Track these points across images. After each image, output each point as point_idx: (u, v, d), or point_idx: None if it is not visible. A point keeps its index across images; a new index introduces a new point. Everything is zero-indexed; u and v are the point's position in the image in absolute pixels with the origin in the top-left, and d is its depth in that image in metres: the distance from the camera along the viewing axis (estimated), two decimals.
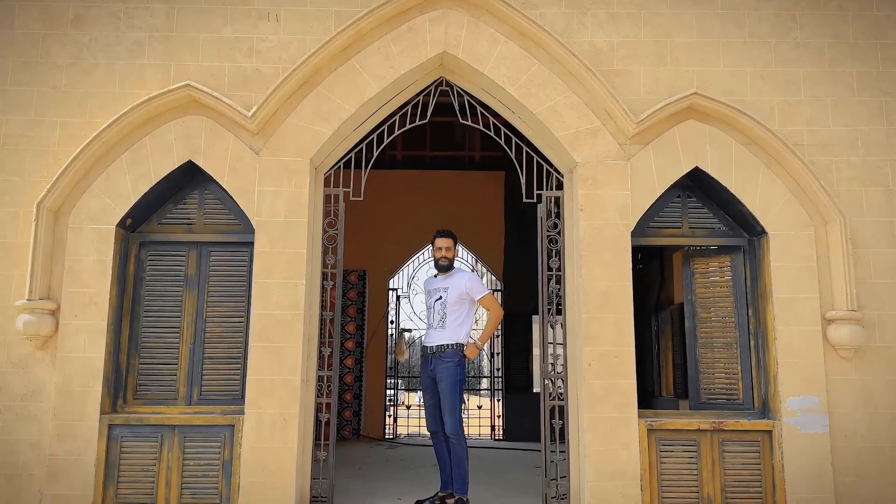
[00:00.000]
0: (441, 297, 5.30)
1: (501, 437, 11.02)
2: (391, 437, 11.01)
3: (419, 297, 5.74)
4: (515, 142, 5.68)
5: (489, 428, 11.36)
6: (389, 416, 11.23)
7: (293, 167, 5.34)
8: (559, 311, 5.53)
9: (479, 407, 11.49)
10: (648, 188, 5.36)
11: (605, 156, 5.37)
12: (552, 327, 5.48)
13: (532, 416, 11.36)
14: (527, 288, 11.25)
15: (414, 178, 11.52)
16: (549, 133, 5.45)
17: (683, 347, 8.69)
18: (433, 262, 5.45)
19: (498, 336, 11.57)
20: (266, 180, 5.32)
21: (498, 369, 11.57)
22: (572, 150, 5.38)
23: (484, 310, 5.68)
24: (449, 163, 11.89)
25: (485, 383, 12.00)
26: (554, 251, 5.56)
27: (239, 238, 5.47)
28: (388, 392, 11.46)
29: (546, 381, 5.42)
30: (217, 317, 5.43)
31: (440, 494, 5.29)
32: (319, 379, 5.46)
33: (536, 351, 12.28)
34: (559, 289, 5.51)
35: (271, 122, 5.41)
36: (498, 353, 11.52)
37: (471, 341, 5.31)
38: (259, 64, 5.47)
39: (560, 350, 5.50)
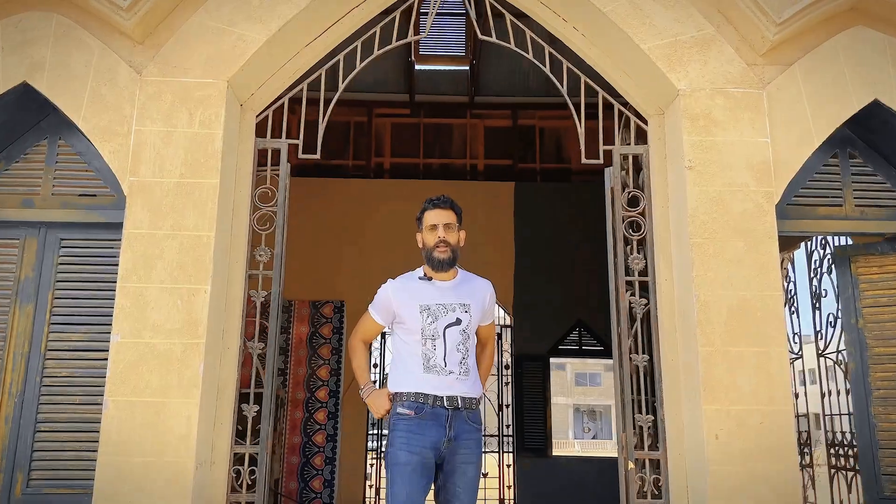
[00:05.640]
0: (460, 321, 2.79)
1: None
2: None
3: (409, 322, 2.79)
4: (567, 66, 3.50)
5: (497, 502, 8.98)
6: (370, 486, 8.87)
7: (198, 93, 3.15)
8: (646, 347, 3.29)
9: (485, 474, 9.09)
10: (799, 134, 3.20)
11: (724, 80, 3.22)
12: (638, 373, 3.23)
13: (551, 485, 9.13)
14: (542, 322, 9.29)
15: (404, 190, 9.42)
16: (627, 45, 3.30)
17: None
18: (425, 255, 2.85)
19: (507, 384, 9.31)
20: (150, 114, 3.12)
21: (507, 426, 9.24)
22: (669, 70, 3.22)
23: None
24: (446, 172, 9.92)
25: (490, 444, 9.67)
26: (634, 243, 3.36)
27: (110, 217, 3.25)
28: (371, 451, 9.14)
29: (628, 465, 3.14)
30: (65, 349, 3.18)
31: None
32: (237, 459, 3.17)
33: (558, 400, 10.05)
34: (645, 305, 3.29)
35: (166, 23, 3.24)
36: (507, 406, 9.22)
37: None
38: None
39: (646, 408, 3.24)
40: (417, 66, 9.29)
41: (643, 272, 3.32)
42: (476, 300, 2.85)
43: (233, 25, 3.22)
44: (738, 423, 2.88)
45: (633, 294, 3.29)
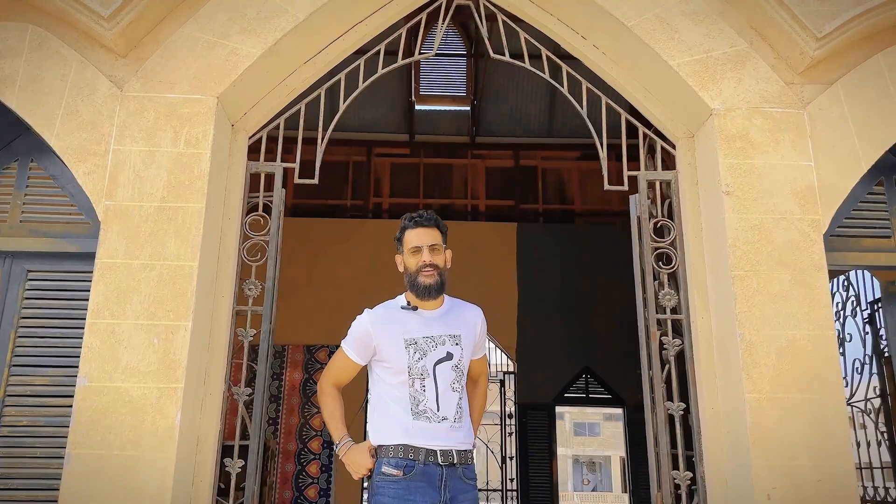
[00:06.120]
0: (451, 356, 2.42)
1: None
2: None
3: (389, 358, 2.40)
4: (586, 86, 3.24)
5: None
6: None
7: (185, 110, 2.86)
8: (678, 393, 2.94)
9: None
10: (845, 158, 2.92)
11: (761, 99, 2.95)
12: (673, 422, 2.87)
13: None
14: (547, 369, 8.90)
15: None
16: (654, 62, 3.05)
17: None
18: (408, 281, 2.45)
19: (511, 434, 8.86)
20: (131, 132, 2.83)
21: (511, 479, 8.77)
22: (701, 88, 2.96)
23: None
24: (447, 212, 9.65)
25: (494, 499, 9.20)
26: (665, 277, 3.04)
27: (84, 246, 2.93)
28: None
29: None
30: (28, 395, 2.82)
31: None
32: None
33: (561, 451, 9.57)
34: (679, 345, 2.96)
35: (151, 34, 2.98)
36: (511, 458, 8.76)
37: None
38: None
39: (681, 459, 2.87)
40: (418, 107, 9.12)
41: (675, 310, 2.99)
42: (467, 330, 2.48)
43: (225, 38, 2.95)
44: (793, 481, 2.52)
45: (664, 334, 2.96)
